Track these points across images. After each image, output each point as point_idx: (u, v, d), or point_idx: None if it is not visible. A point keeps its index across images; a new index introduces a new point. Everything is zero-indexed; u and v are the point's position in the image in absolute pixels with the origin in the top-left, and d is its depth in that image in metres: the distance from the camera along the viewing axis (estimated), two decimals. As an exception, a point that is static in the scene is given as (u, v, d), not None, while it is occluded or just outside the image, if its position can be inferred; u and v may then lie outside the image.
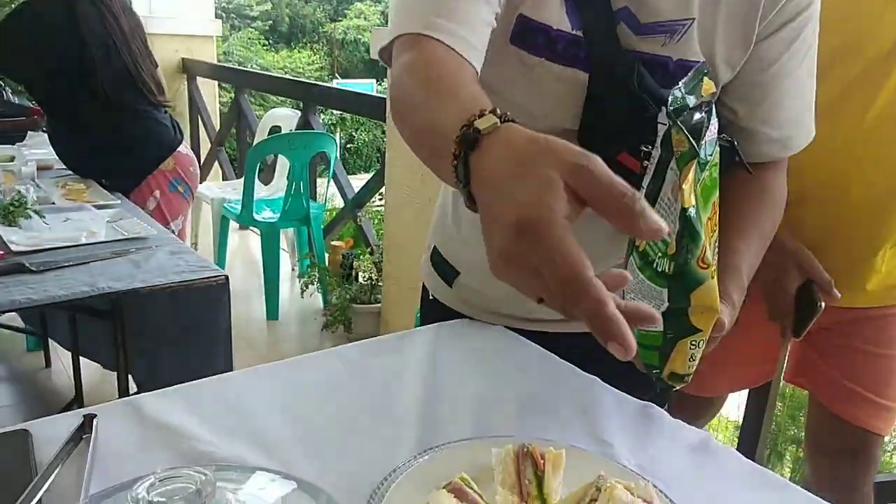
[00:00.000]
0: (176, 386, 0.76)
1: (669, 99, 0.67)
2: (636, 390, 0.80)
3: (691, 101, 0.68)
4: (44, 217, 1.64)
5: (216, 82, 4.94)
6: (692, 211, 0.61)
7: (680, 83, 0.69)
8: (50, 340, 2.60)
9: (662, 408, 0.78)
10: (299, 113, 3.81)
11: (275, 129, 3.90)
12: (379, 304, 3.16)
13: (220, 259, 3.62)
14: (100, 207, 1.83)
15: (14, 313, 2.71)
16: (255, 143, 3.78)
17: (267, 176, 3.95)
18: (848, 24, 1.01)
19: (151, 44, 2.27)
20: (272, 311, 3.38)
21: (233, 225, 3.73)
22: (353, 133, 15.07)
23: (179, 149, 2.25)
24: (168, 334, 1.50)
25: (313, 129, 3.71)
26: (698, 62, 0.77)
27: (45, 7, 2.00)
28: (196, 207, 3.60)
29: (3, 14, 2.27)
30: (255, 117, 4.40)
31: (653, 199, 0.66)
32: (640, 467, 0.66)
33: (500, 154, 0.45)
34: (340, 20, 18.03)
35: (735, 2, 0.77)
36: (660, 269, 0.64)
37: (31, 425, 0.66)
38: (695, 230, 0.61)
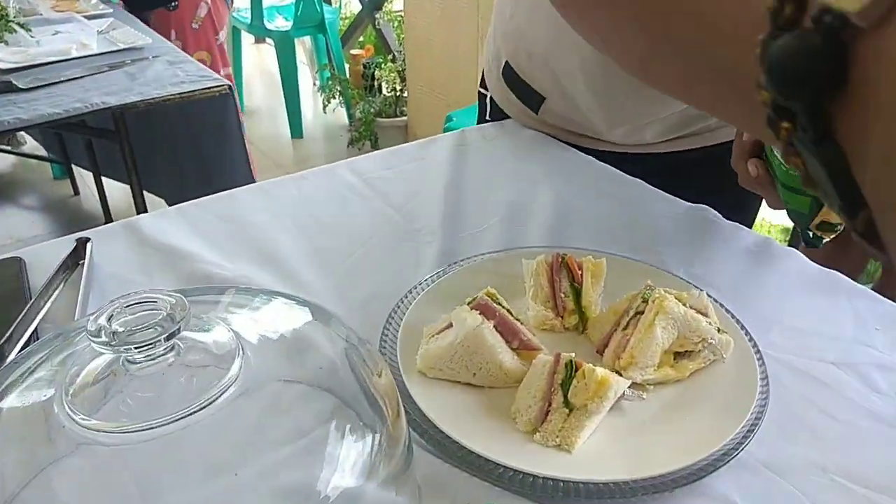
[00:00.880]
0: (178, 205, 0.71)
1: None
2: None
3: None
4: (30, 31, 1.52)
5: None
6: None
7: None
8: (74, 167, 2.58)
9: None
10: None
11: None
12: (405, 118, 3.05)
13: (237, 75, 3.46)
14: (91, 18, 1.69)
15: (37, 143, 2.68)
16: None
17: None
18: None
19: None
20: (296, 128, 3.30)
21: (247, 40, 3.53)
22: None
23: None
24: (182, 150, 1.42)
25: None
26: None
27: None
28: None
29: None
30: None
31: None
32: (692, 275, 0.59)
33: None
34: None
35: None
36: None
37: (23, 252, 0.62)
38: None
